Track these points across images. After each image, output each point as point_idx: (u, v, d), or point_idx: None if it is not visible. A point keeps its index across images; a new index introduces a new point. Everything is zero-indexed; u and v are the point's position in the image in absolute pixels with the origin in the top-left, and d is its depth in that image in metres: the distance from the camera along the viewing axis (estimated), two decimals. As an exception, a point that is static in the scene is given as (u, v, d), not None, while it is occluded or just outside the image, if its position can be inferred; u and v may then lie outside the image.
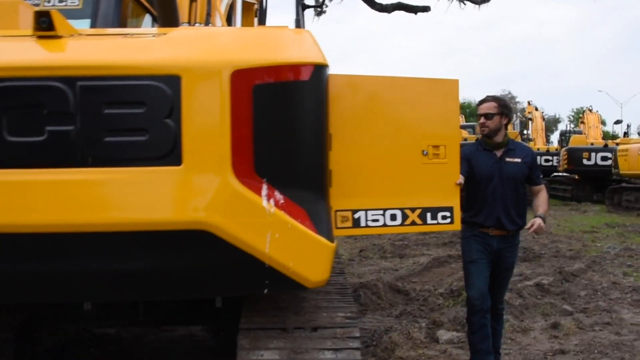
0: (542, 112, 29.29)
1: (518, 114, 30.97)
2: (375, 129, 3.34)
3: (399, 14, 13.15)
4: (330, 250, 3.01)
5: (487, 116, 4.23)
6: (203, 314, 4.13)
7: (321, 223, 3.02)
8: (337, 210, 3.32)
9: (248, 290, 3.08)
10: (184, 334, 5.36)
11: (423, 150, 3.31)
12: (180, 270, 2.88)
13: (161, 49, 2.90)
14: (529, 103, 29.16)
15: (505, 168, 4.20)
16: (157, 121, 2.72)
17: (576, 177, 21.80)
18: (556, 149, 24.76)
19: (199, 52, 2.89)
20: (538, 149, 24.83)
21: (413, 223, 3.35)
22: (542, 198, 4.37)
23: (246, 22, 7.77)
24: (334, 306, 3.50)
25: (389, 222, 3.34)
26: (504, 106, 4.29)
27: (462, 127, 22.69)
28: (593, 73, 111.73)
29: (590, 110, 27.06)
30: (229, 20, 5.38)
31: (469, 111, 38.67)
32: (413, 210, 3.35)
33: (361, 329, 5.62)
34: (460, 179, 3.53)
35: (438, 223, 3.35)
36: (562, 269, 7.71)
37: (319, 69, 3.04)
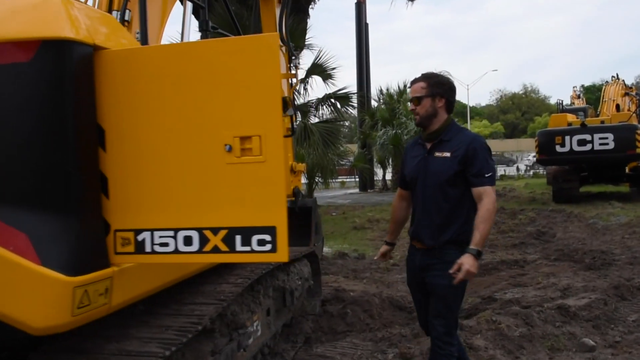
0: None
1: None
2: (162, 119, 2.44)
3: None
4: (64, 286, 2.23)
5: (416, 100, 3.36)
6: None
7: (52, 251, 2.26)
8: (116, 231, 2.48)
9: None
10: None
11: (226, 145, 2.35)
12: None
13: None
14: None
15: (430, 165, 3.34)
16: None
17: None
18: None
19: None
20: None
21: (215, 250, 2.40)
22: (480, 213, 3.16)
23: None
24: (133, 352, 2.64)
25: (182, 248, 2.43)
26: (435, 85, 3.34)
27: (571, 110, 20.21)
28: None
29: None
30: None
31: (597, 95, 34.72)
32: (215, 231, 2.40)
33: (315, 354, 4.74)
34: None
35: (252, 250, 2.37)
36: (625, 283, 6.17)
37: (54, 45, 2.30)
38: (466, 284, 3.30)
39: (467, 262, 3.05)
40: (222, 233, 2.39)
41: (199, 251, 2.41)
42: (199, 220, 2.41)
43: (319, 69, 13.63)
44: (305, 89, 13.94)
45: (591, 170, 16.91)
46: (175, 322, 3.05)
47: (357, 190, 28.13)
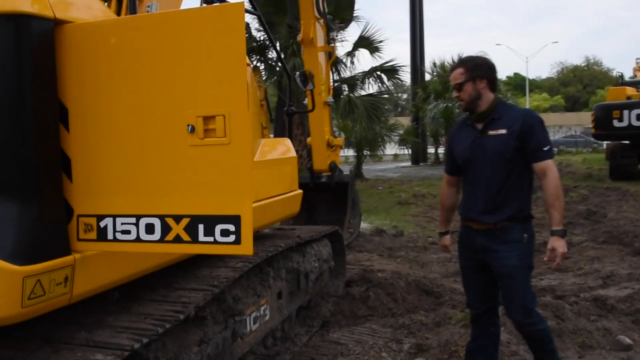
0: None
1: None
2: (125, 97, 2.23)
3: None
4: (11, 276, 2.10)
5: (458, 87, 3.33)
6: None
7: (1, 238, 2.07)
8: (79, 216, 2.30)
9: None
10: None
11: (188, 125, 2.12)
12: None
13: None
14: None
15: (486, 144, 3.28)
16: None
17: None
18: None
19: None
20: None
21: (178, 239, 2.19)
22: (549, 190, 3.18)
23: None
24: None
25: (144, 236, 2.23)
26: (473, 68, 3.32)
27: (632, 83, 19.00)
28: None
29: None
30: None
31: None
32: (178, 219, 2.18)
33: (329, 341, 4.52)
34: None
35: (215, 241, 2.15)
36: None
37: (8, 20, 2.14)
38: (533, 258, 3.32)
39: (559, 245, 3.11)
40: (185, 221, 2.17)
41: (161, 240, 2.20)
42: (161, 206, 2.20)
43: (366, 42, 13.30)
44: (352, 62, 13.62)
45: (651, 146, 15.95)
46: (158, 310, 2.87)
47: (409, 163, 27.67)
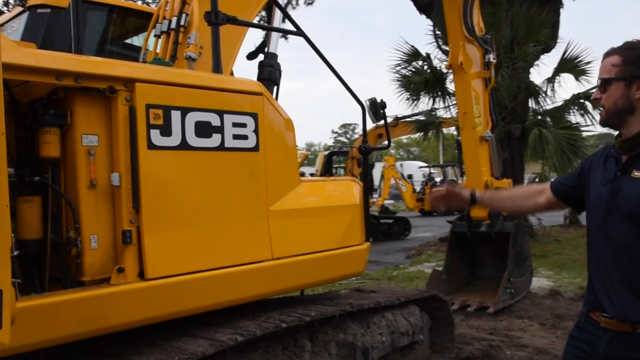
0: None
1: None
2: None
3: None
4: None
5: (603, 84, 2.15)
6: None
7: None
8: None
9: None
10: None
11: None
12: None
13: None
14: None
15: (625, 191, 2.10)
16: None
17: None
18: None
19: None
20: None
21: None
22: None
23: None
24: None
25: None
26: (635, 61, 2.09)
27: None
28: None
29: None
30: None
31: None
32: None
33: None
34: None
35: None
36: None
37: None
38: None
39: None
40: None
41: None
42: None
43: (569, 65, 11.40)
44: (552, 89, 11.85)
45: None
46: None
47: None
